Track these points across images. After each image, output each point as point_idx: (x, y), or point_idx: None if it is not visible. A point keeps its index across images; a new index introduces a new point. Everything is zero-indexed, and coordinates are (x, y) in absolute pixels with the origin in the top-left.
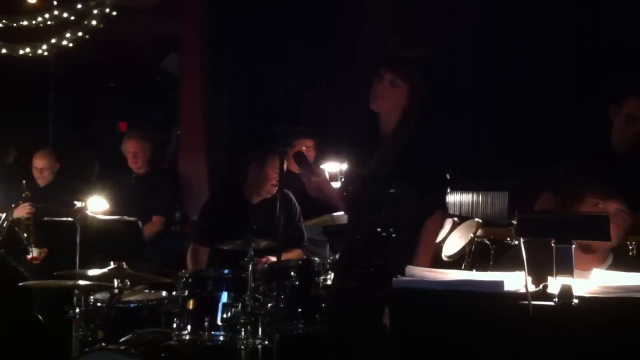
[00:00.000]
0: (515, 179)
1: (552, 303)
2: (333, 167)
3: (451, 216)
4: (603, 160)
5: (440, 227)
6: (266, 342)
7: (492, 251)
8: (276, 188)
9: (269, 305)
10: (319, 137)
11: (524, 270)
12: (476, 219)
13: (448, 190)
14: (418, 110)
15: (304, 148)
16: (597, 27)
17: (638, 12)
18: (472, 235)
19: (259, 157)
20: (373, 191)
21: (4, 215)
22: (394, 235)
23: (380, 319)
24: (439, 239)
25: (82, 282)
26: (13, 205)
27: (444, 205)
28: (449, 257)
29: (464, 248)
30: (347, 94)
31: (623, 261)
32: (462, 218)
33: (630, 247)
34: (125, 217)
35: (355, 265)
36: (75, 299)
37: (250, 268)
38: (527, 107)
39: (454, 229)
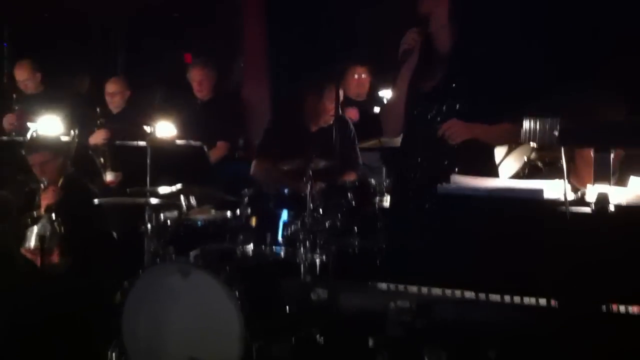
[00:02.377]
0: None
1: (589, 210)
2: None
3: None
4: None
5: (510, 133)
6: (324, 257)
7: (544, 173)
8: (332, 119)
9: (327, 222)
10: (374, 62)
11: (564, 177)
12: (530, 144)
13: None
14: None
15: (355, 76)
16: None
17: None
18: (525, 158)
19: (315, 89)
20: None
21: (71, 137)
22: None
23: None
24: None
25: (153, 200)
26: (75, 132)
27: (513, 118)
28: None
29: (518, 171)
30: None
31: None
32: (517, 143)
33: None
34: (192, 142)
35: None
36: (146, 215)
37: (309, 187)
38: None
39: (509, 153)
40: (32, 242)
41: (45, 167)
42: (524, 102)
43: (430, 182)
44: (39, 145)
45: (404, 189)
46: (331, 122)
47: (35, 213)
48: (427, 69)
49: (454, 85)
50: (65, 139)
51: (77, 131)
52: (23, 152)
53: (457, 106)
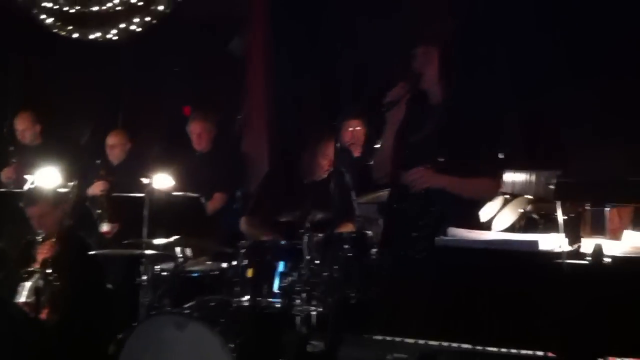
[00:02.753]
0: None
1: (585, 262)
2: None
3: (503, 194)
4: None
5: (487, 188)
6: (320, 309)
7: (541, 225)
8: (326, 173)
9: (324, 274)
10: (369, 115)
11: (560, 230)
12: (526, 196)
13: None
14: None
15: (350, 129)
16: None
17: None
18: (521, 210)
19: (311, 144)
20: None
21: (70, 189)
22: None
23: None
24: (489, 217)
25: (149, 252)
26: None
27: (493, 173)
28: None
29: (514, 224)
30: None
31: None
32: (513, 195)
33: None
34: (189, 193)
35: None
36: (142, 267)
37: (306, 239)
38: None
39: (505, 205)
40: (26, 297)
41: (43, 220)
42: (506, 160)
43: (423, 234)
44: (37, 197)
45: (393, 240)
46: (325, 175)
47: (31, 267)
48: (415, 122)
49: (440, 138)
50: (63, 190)
51: (75, 183)
52: (21, 204)
53: (441, 157)
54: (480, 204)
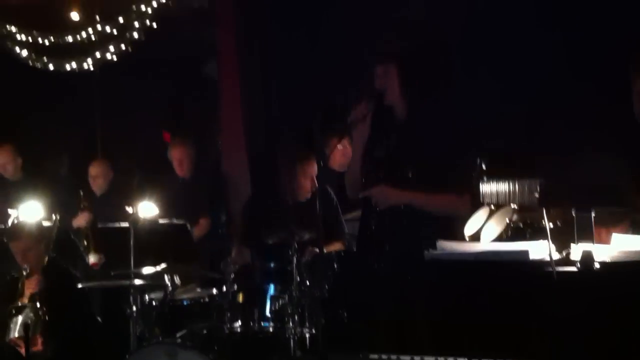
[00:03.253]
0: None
1: (574, 269)
2: None
3: (487, 204)
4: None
5: (462, 206)
6: (313, 331)
7: (528, 235)
8: (310, 194)
9: (315, 294)
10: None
11: (547, 238)
12: (511, 206)
13: (479, 177)
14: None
15: (339, 147)
16: None
17: None
18: (508, 220)
19: (289, 166)
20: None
21: (52, 222)
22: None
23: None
24: (475, 229)
25: (137, 282)
26: (57, 217)
27: (460, 189)
28: None
29: (501, 234)
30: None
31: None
32: (497, 206)
33: None
34: (174, 220)
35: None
36: (131, 298)
37: (295, 260)
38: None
39: (490, 216)
40: (16, 332)
41: (27, 254)
42: (478, 172)
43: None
44: (20, 232)
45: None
46: (309, 196)
47: (19, 302)
48: (380, 137)
49: (404, 153)
50: (46, 224)
51: (58, 216)
52: (4, 240)
53: (409, 173)
54: (461, 218)
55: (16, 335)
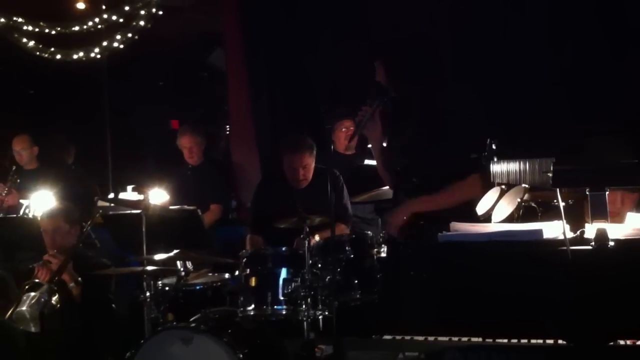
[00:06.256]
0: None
1: (589, 247)
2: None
3: (499, 184)
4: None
5: (473, 189)
6: (326, 313)
7: (539, 213)
8: (300, 183)
9: (327, 278)
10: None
11: (562, 217)
12: (523, 185)
13: (490, 157)
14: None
15: (344, 129)
16: None
17: None
18: (519, 200)
19: (284, 152)
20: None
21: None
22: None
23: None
24: (486, 209)
25: (150, 268)
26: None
27: (476, 169)
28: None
29: (512, 213)
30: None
31: None
32: (509, 185)
33: None
34: (185, 207)
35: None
36: (144, 284)
37: (307, 244)
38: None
39: (502, 196)
40: (26, 306)
41: (55, 235)
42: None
43: (425, 229)
44: (55, 212)
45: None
46: (303, 185)
47: (36, 280)
48: (397, 127)
49: (421, 140)
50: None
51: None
52: (39, 217)
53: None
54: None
55: (25, 308)
